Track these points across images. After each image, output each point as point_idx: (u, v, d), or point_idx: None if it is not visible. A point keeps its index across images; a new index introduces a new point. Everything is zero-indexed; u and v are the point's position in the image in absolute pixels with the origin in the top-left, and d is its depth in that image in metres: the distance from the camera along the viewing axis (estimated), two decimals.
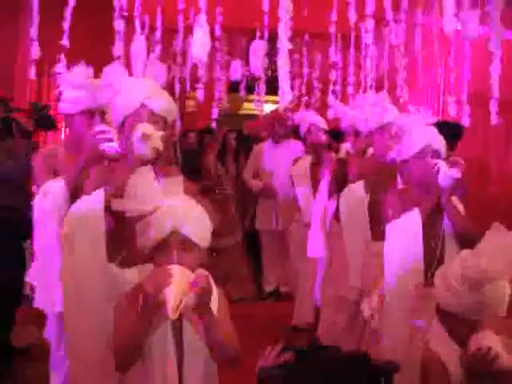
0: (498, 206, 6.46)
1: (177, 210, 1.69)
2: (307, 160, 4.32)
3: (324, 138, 4.18)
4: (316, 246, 3.68)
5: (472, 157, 6.59)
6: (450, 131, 3.92)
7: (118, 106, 2.06)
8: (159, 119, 2.05)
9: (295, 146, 4.81)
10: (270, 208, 4.86)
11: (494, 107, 3.01)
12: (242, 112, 9.36)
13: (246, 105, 8.18)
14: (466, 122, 3.65)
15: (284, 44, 2.09)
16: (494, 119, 3.00)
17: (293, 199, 4.44)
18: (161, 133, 2.00)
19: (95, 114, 2.47)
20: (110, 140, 2.08)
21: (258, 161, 4.89)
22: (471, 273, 1.70)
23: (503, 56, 2.96)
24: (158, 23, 3.55)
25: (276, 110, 5.01)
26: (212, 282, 1.76)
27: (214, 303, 1.71)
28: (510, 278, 1.73)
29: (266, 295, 5.09)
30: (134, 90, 2.06)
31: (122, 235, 1.99)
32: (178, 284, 1.56)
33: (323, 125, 4.31)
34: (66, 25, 2.93)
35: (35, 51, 2.60)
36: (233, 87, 6.11)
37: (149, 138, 1.95)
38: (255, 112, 5.86)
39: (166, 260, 1.66)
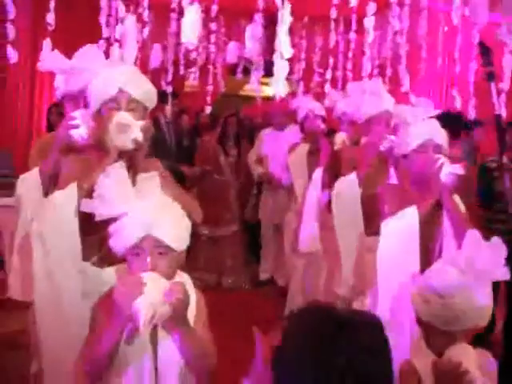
0: None
1: (149, 212, 1.55)
2: (304, 148, 4.14)
3: (321, 125, 4.02)
4: (308, 238, 3.54)
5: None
6: (452, 120, 3.80)
7: (95, 92, 1.93)
8: (138, 106, 1.92)
9: (294, 133, 4.62)
10: (271, 198, 4.77)
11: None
12: (241, 93, 9.23)
13: (246, 86, 8.12)
14: (471, 114, 3.53)
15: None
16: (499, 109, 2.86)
17: (290, 189, 4.32)
18: (140, 122, 1.87)
19: (79, 98, 2.33)
20: (76, 127, 1.96)
21: (260, 148, 4.79)
22: (439, 284, 1.61)
23: None
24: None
25: (273, 102, 4.84)
26: (191, 286, 1.65)
27: (192, 309, 1.60)
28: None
29: (260, 283, 4.98)
30: (112, 74, 1.92)
31: (97, 234, 1.88)
32: (151, 294, 1.44)
33: (321, 111, 4.16)
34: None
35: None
36: (232, 69, 6.05)
37: (127, 127, 1.83)
38: (255, 94, 5.86)
39: (140, 266, 1.54)
